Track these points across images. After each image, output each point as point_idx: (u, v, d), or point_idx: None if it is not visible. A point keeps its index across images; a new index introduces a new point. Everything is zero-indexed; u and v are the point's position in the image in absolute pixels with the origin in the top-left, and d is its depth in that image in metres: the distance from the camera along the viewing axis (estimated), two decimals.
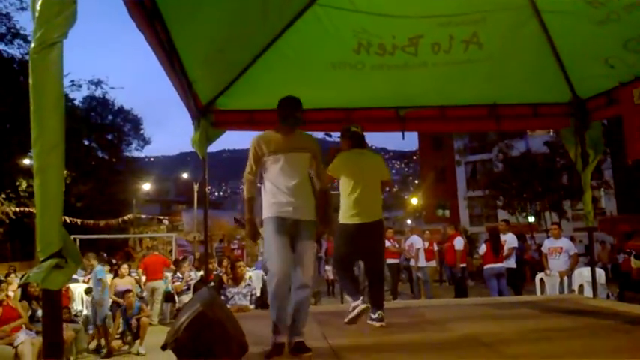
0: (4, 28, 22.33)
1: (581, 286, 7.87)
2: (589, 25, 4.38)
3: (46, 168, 1.64)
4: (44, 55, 1.61)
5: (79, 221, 20.26)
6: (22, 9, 22.52)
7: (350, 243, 4.47)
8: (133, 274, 11.82)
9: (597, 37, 4.53)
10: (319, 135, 6.42)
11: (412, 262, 11.87)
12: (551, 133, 24.59)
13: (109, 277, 10.81)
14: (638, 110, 4.78)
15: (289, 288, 3.41)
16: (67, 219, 17.68)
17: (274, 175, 3.55)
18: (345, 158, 4.46)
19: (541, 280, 8.55)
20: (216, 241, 25.14)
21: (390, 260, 12.56)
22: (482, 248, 9.56)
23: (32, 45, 1.62)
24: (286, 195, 3.50)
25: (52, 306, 1.64)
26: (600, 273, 7.92)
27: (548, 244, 8.72)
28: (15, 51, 22.37)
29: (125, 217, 25.95)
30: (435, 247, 12.53)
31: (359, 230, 4.36)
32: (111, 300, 9.31)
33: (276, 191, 3.53)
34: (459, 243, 11.17)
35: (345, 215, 4.44)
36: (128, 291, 8.56)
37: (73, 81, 27.31)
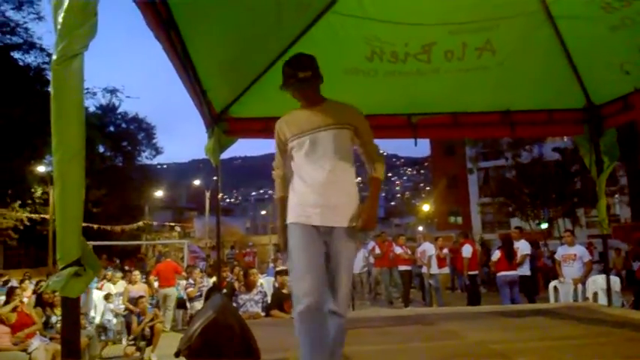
0: (21, 39, 22.78)
1: (595, 294, 7.77)
2: (603, 31, 4.35)
3: (65, 176, 1.66)
4: (66, 66, 1.63)
5: (95, 226, 20.44)
6: (39, 19, 22.96)
7: None
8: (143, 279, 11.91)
9: (611, 43, 4.49)
10: None
11: (424, 270, 11.78)
12: (565, 140, 24.41)
13: (121, 283, 10.93)
14: None
15: (323, 316, 2.52)
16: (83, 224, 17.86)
17: (299, 164, 2.73)
18: None
19: (555, 287, 8.47)
20: (227, 248, 25.22)
21: (402, 267, 12.54)
22: (496, 255, 9.48)
23: (54, 57, 1.64)
24: (313, 192, 2.64)
25: (71, 313, 1.65)
26: (615, 280, 7.82)
27: (561, 251, 8.64)
28: (31, 59, 22.80)
29: (137, 225, 26.13)
30: (447, 254, 12.45)
31: None
32: (123, 306, 9.38)
33: (300, 187, 2.70)
34: (466, 251, 11.08)
35: None
36: (141, 297, 8.62)
37: (87, 89, 27.69)
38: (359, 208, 2.71)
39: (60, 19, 1.63)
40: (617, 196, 27.46)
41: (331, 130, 2.70)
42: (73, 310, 1.65)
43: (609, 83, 5.16)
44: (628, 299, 9.57)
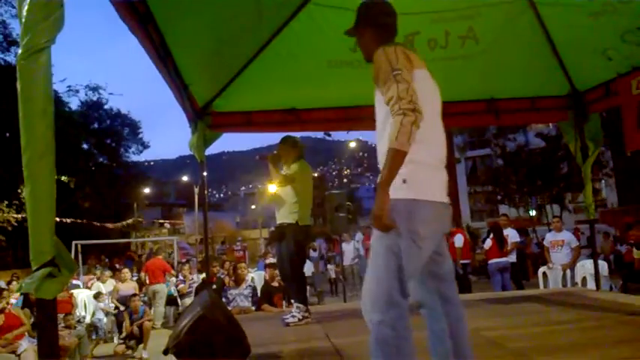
0: (0, 36, 22.35)
1: (584, 279, 7.84)
2: (585, 17, 4.36)
3: (36, 175, 1.61)
4: (32, 60, 1.58)
5: (84, 221, 20.23)
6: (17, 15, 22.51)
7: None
8: (135, 277, 11.83)
9: (594, 29, 4.50)
10: (319, 135, 6.40)
11: None
12: (550, 126, 24.59)
13: (111, 282, 10.85)
14: (636, 101, 4.76)
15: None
16: (67, 220, 17.67)
17: (429, 120, 2.01)
18: (305, 167, 4.83)
19: (544, 273, 8.53)
20: (217, 243, 25.08)
21: None
22: (488, 243, 9.54)
23: (19, 51, 1.60)
24: (440, 164, 2.13)
25: (47, 314, 1.61)
26: (603, 265, 7.89)
27: (550, 237, 8.71)
28: (11, 58, 22.36)
29: (125, 222, 25.93)
30: None
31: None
32: (113, 305, 9.32)
33: (431, 153, 2.07)
34: (458, 240, 11.13)
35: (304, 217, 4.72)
36: (134, 295, 8.56)
37: (69, 86, 27.29)
38: None
39: (24, 13, 1.59)
40: (603, 180, 27.72)
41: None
42: (49, 311, 1.61)
43: (592, 69, 5.19)
44: (616, 283, 9.67)
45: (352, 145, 42.39)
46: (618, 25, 4.35)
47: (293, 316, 4.53)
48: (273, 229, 5.07)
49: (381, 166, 1.96)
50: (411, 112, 1.83)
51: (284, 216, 4.71)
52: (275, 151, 4.91)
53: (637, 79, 4.74)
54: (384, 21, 2.32)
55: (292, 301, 4.82)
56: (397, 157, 1.84)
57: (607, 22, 4.31)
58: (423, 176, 1.99)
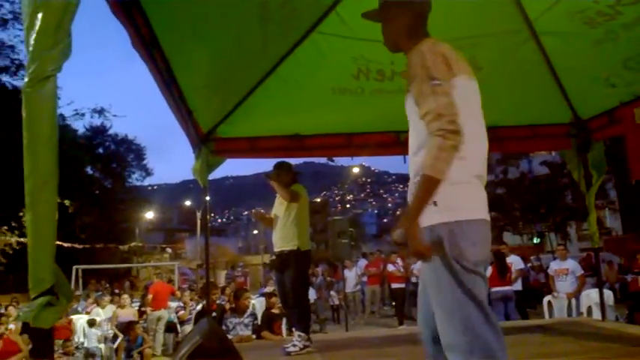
0: (9, 60, 22.66)
1: (589, 308, 7.73)
2: (587, 45, 4.38)
3: (38, 203, 1.60)
4: (37, 88, 1.59)
5: (86, 246, 20.13)
6: None
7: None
8: (135, 303, 11.73)
9: (596, 57, 4.52)
10: (322, 160, 6.43)
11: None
12: (553, 154, 24.63)
13: (110, 307, 10.74)
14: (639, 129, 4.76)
15: None
16: (69, 245, 17.58)
17: (473, 132, 1.82)
18: (302, 190, 4.84)
19: (549, 302, 8.42)
20: (219, 269, 24.83)
21: (394, 285, 12.44)
22: (488, 271, 9.42)
23: (25, 79, 1.61)
24: (476, 179, 1.85)
25: (43, 344, 1.59)
26: (608, 294, 7.79)
27: (554, 265, 8.61)
28: (19, 82, 22.65)
29: (127, 246, 25.82)
30: None
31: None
32: (112, 331, 9.20)
33: (468, 170, 1.81)
34: None
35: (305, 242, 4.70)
36: (133, 322, 8.46)
37: (76, 110, 27.58)
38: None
39: (32, 41, 1.60)
40: (607, 208, 27.61)
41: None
42: (46, 339, 1.59)
43: (595, 97, 5.19)
44: (622, 313, 9.52)
45: (355, 170, 42.29)
46: (621, 52, 4.37)
47: (294, 345, 4.46)
48: (273, 257, 5.03)
49: (411, 184, 1.79)
50: (452, 135, 1.63)
51: (285, 242, 4.67)
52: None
53: None
54: (420, 8, 2.02)
55: (293, 329, 4.75)
56: (432, 186, 1.64)
57: (610, 50, 4.34)
58: (458, 194, 1.75)
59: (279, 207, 4.83)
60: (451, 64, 1.79)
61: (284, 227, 4.69)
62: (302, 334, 4.52)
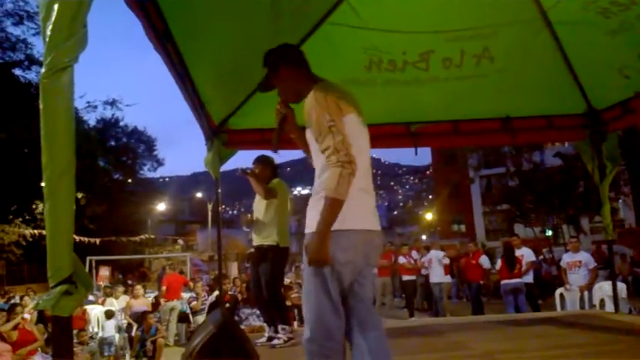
0: (22, 54, 22.88)
1: (602, 301, 7.68)
2: (602, 36, 4.33)
3: (56, 192, 1.62)
4: (54, 79, 1.60)
5: (97, 240, 20.35)
6: (39, 33, 23.03)
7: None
8: (149, 294, 11.85)
9: (611, 47, 4.47)
10: None
11: (432, 278, 11.57)
12: (566, 145, 24.39)
13: (124, 298, 10.87)
14: None
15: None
16: (83, 239, 17.76)
17: (356, 150, 2.11)
18: (282, 186, 4.79)
19: (561, 295, 8.38)
20: (230, 260, 24.93)
21: (405, 277, 12.44)
22: (498, 263, 9.40)
23: (42, 70, 1.62)
24: (361, 192, 2.18)
25: (63, 332, 1.61)
26: (622, 287, 7.72)
27: (567, 258, 8.56)
28: (32, 76, 22.88)
29: (138, 238, 26.06)
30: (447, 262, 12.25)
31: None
32: (126, 321, 9.31)
33: (362, 181, 2.17)
34: (486, 261, 10.93)
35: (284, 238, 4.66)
36: (147, 312, 8.55)
37: (89, 102, 27.76)
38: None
39: (48, 32, 1.61)
40: (621, 200, 27.29)
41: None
42: (65, 328, 1.61)
43: (609, 88, 5.14)
44: (636, 305, 9.45)
45: None
46: (636, 43, 4.31)
47: (279, 338, 4.42)
48: (252, 250, 5.00)
49: (314, 200, 2.13)
50: (348, 165, 1.99)
51: (263, 238, 4.64)
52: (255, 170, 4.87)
53: None
54: (299, 57, 2.44)
55: (277, 323, 4.57)
56: (336, 206, 1.98)
57: (624, 40, 4.28)
58: (346, 207, 2.03)
59: (259, 203, 4.78)
60: (340, 105, 2.13)
61: (264, 223, 4.66)
62: (285, 327, 4.47)
